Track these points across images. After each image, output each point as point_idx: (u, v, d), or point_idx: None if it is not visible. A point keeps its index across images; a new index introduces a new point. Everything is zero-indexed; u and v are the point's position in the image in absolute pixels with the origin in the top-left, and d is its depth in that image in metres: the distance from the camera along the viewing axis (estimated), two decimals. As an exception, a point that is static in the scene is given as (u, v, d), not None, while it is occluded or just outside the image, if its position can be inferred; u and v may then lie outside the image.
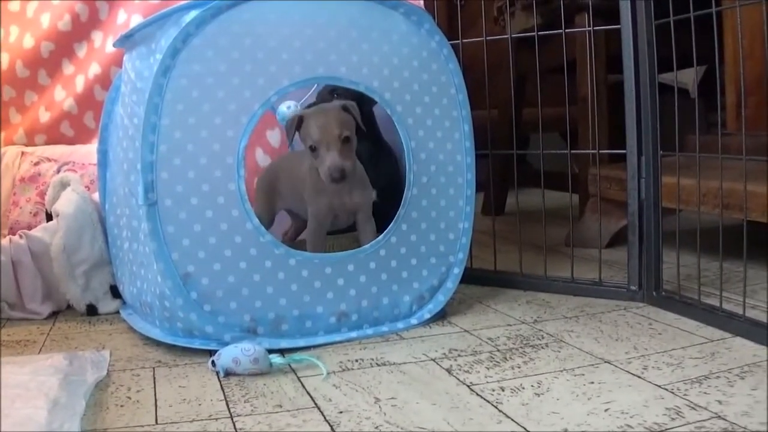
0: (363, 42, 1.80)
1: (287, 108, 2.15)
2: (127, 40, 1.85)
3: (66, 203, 2.06)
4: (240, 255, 1.64)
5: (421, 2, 2.14)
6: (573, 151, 2.18)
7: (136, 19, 2.54)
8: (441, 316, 1.90)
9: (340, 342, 1.73)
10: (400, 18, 1.86)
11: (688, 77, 3.10)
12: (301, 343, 1.69)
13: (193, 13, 1.63)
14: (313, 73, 1.74)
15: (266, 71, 1.68)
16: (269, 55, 1.69)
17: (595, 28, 2.10)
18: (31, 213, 2.54)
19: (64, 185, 2.14)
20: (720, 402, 1.28)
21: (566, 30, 2.10)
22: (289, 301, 1.69)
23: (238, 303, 1.64)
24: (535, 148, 3.81)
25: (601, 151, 2.14)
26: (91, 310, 2.04)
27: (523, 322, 1.84)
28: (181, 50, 1.62)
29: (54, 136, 2.77)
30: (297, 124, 1.84)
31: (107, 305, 2.05)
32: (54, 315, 2.04)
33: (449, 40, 1.96)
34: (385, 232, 1.81)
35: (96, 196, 2.12)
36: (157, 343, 1.73)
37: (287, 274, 1.68)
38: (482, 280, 2.21)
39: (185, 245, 1.61)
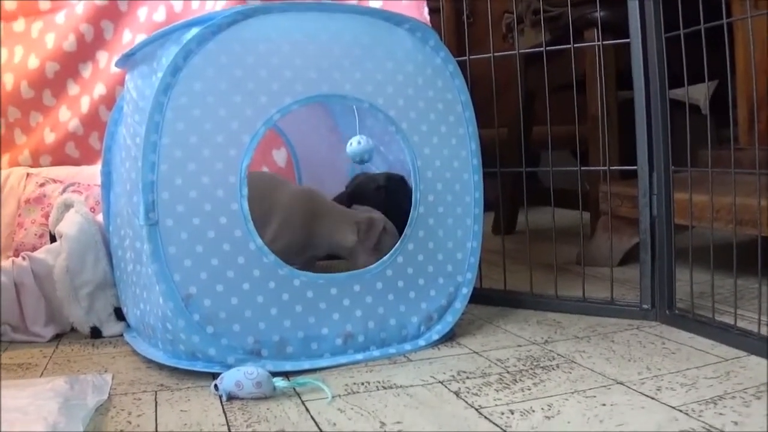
0: (367, 59, 1.77)
1: (358, 143, 2.12)
2: (129, 60, 1.83)
3: (69, 225, 2.03)
4: (243, 276, 1.61)
5: (427, 18, 2.12)
6: (583, 168, 2.15)
7: (141, 39, 2.52)
8: (449, 337, 1.87)
9: (346, 364, 1.70)
10: (405, 34, 1.84)
11: (700, 93, 3.09)
12: (306, 365, 1.66)
13: (193, 31, 1.61)
14: (317, 91, 1.71)
15: (268, 89, 1.66)
16: (271, 73, 1.67)
17: (604, 42, 2.08)
18: (36, 235, 2.52)
19: (67, 207, 2.13)
20: (736, 423, 1.25)
21: (575, 45, 2.07)
22: (293, 323, 1.66)
23: (242, 325, 1.61)
24: (545, 166, 3.80)
25: (611, 167, 2.11)
26: (95, 333, 2.01)
27: (534, 343, 1.80)
28: (182, 68, 1.60)
29: (59, 157, 2.77)
30: None
31: (111, 328, 2.03)
32: (57, 338, 2.01)
33: (457, 56, 1.93)
34: (391, 251, 1.78)
35: (100, 217, 2.10)
36: (160, 366, 1.70)
37: (292, 295, 1.65)
38: (492, 300, 2.18)
39: (187, 266, 1.58)
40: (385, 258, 1.77)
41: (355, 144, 2.00)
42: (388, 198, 2.13)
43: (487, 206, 1.98)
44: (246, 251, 1.61)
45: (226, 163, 1.61)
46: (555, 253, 2.11)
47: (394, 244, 1.82)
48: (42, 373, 1.70)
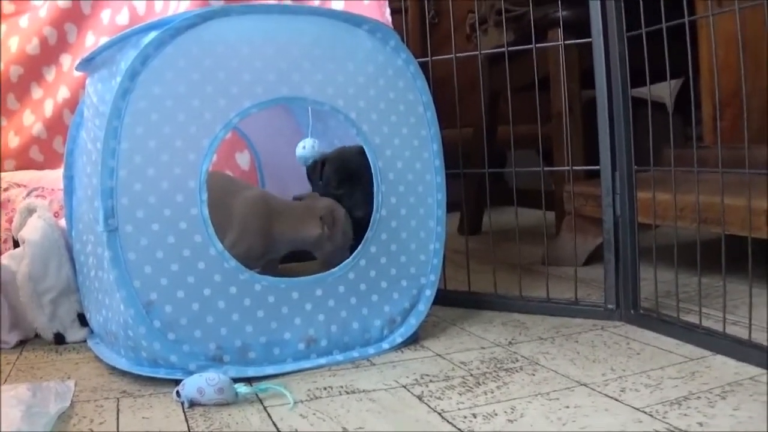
0: (327, 60, 1.76)
1: (308, 147, 2.11)
2: (89, 64, 1.82)
3: (32, 230, 2.01)
4: (204, 281, 1.60)
5: (389, 19, 2.12)
6: (546, 169, 2.15)
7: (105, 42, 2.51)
8: (413, 340, 1.86)
9: (309, 369, 1.69)
10: (365, 35, 1.83)
11: (665, 91, 3.09)
12: (269, 370, 1.65)
13: (152, 35, 1.59)
14: (276, 94, 1.70)
15: (227, 92, 1.64)
16: (230, 75, 1.65)
17: (566, 42, 2.07)
18: (1, 239, 2.48)
19: (30, 212, 2.11)
20: (701, 424, 1.25)
21: (537, 45, 2.06)
22: (255, 328, 1.64)
23: (203, 331, 1.60)
24: (511, 166, 3.80)
25: (574, 168, 2.11)
26: (59, 339, 1.99)
27: (498, 345, 1.80)
28: (140, 72, 1.58)
29: (23, 162, 2.75)
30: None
31: (75, 334, 2.01)
32: (21, 344, 1.99)
33: (421, 57, 1.93)
34: (353, 254, 1.77)
35: (63, 222, 2.08)
36: (123, 373, 1.68)
37: (253, 300, 1.64)
38: (456, 301, 2.18)
39: (147, 272, 1.57)
40: (347, 261, 1.76)
41: (308, 147, 2.00)
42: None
43: (453, 206, 1.98)
44: (206, 256, 1.60)
45: (184, 167, 1.60)
46: (519, 254, 2.11)
47: (350, 226, 1.85)
48: (5, 380, 1.68)
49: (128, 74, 1.57)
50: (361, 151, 1.85)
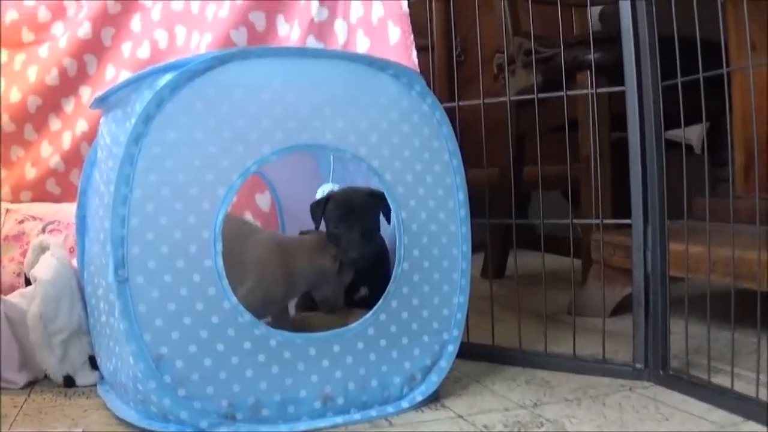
0: (349, 106, 1.71)
1: (321, 193, 2.07)
2: (104, 102, 1.77)
3: (44, 269, 1.97)
4: (217, 336, 1.55)
5: (416, 62, 2.06)
6: (576, 221, 2.10)
7: (125, 75, 2.51)
8: (434, 398, 1.80)
9: (325, 428, 1.63)
10: (389, 80, 1.77)
11: (693, 133, 3.04)
12: (283, 429, 1.60)
13: (167, 77, 1.55)
14: (296, 141, 1.65)
15: (245, 139, 1.59)
16: (248, 121, 1.60)
17: (598, 90, 2.02)
18: (14, 273, 2.45)
19: (43, 249, 2.07)
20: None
21: (568, 92, 2.01)
22: (270, 385, 1.59)
23: (215, 387, 1.55)
24: (536, 207, 3.74)
25: (605, 221, 2.05)
26: (69, 382, 1.94)
27: (522, 407, 1.73)
28: (155, 116, 1.53)
29: (40, 194, 2.72)
30: None
31: (85, 377, 1.96)
32: (30, 385, 1.95)
33: (447, 99, 1.87)
34: (374, 309, 1.71)
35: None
36: (133, 425, 1.63)
37: (268, 355, 1.59)
38: (479, 355, 2.10)
39: (158, 325, 1.52)
40: (367, 316, 1.71)
41: (324, 192, 1.96)
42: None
43: (477, 248, 1.92)
44: (220, 310, 1.55)
45: (199, 217, 1.55)
46: (545, 305, 2.05)
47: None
48: (11, 425, 1.64)
49: (142, 118, 1.53)
50: (370, 193, 1.83)
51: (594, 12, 3.79)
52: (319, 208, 1.95)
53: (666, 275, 1.86)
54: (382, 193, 1.77)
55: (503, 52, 2.65)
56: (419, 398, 1.76)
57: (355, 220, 1.91)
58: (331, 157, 2.07)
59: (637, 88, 1.86)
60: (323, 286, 1.95)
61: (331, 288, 1.92)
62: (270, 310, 1.76)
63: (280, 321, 1.81)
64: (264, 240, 1.95)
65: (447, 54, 3.40)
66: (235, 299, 1.56)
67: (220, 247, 1.55)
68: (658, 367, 1.86)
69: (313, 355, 1.63)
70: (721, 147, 1.94)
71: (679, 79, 1.75)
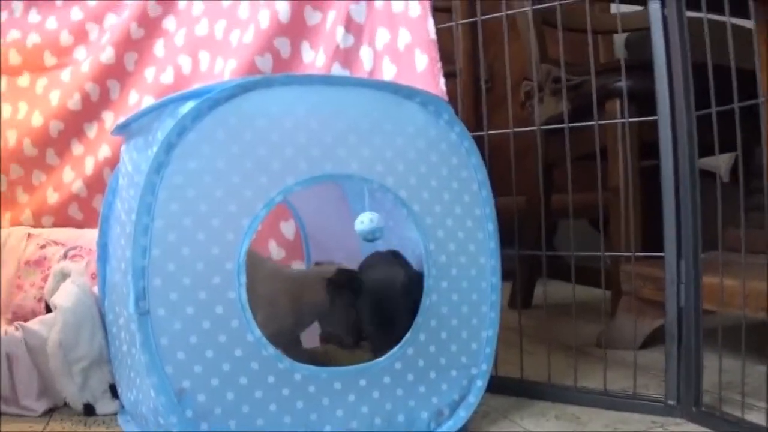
0: (375, 135, 1.68)
1: (370, 221, 2.03)
2: (125, 129, 1.76)
3: (65, 296, 1.95)
4: (240, 369, 1.51)
5: (444, 90, 2.03)
6: (607, 254, 2.06)
7: (148, 100, 2.48)
8: (462, 434, 1.76)
9: (351, 463, 1.60)
10: (416, 108, 1.75)
11: (721, 161, 3.01)
12: (307, 464, 1.56)
13: (189, 105, 1.52)
14: (321, 170, 1.62)
15: (269, 168, 1.57)
16: (272, 150, 1.58)
17: (630, 119, 1.99)
18: (35, 298, 2.44)
19: (64, 276, 2.05)
20: None
21: (600, 122, 1.98)
22: (294, 420, 1.56)
23: (238, 421, 1.51)
24: (563, 235, 3.71)
25: (637, 254, 2.02)
26: (89, 410, 1.93)
27: (552, 444, 1.70)
28: (176, 145, 1.51)
29: (62, 219, 2.69)
30: None
31: (106, 406, 1.94)
32: (49, 412, 1.94)
33: (474, 126, 1.84)
34: (401, 343, 1.68)
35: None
36: (154, 457, 1.60)
37: (292, 390, 1.55)
38: (507, 389, 2.07)
39: (180, 359, 1.49)
40: (394, 350, 1.67)
41: (366, 222, 1.92)
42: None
43: (503, 277, 1.89)
44: (244, 343, 1.52)
45: (222, 248, 1.52)
46: (575, 336, 2.01)
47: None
48: (29, 454, 1.61)
49: (163, 147, 1.51)
50: (408, 276, 1.82)
51: (619, 39, 3.77)
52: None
53: (699, 309, 1.83)
54: (420, 274, 1.74)
55: (530, 80, 2.62)
56: (447, 434, 1.72)
57: (392, 323, 1.84)
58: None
59: (671, 117, 1.83)
60: (329, 319, 1.92)
61: (340, 320, 1.89)
62: (279, 341, 1.72)
63: (292, 352, 1.77)
64: (274, 272, 1.93)
65: (473, 81, 3.38)
66: (258, 332, 1.53)
67: (244, 279, 1.53)
68: (690, 403, 1.83)
69: (339, 390, 1.60)
70: (752, 175, 1.90)
71: (714, 109, 1.72)
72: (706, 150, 1.80)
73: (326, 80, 1.72)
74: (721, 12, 1.73)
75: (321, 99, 1.65)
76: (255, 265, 1.86)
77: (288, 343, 1.90)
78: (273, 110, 1.60)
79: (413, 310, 1.72)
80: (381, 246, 2.05)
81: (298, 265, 2.36)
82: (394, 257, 1.95)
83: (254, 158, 1.56)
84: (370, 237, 1.90)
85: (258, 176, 1.56)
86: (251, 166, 1.56)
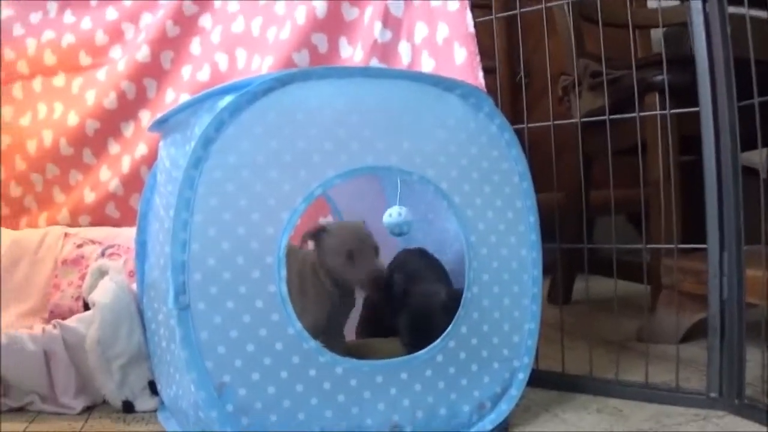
0: (415, 128, 1.67)
1: (398, 215, 2.01)
2: (163, 125, 1.77)
3: (103, 293, 1.96)
4: (281, 363, 1.51)
5: (482, 82, 2.02)
6: (648, 246, 2.05)
7: (185, 98, 2.46)
8: (504, 428, 1.75)
9: (392, 457, 1.59)
10: (457, 100, 1.74)
11: (757, 155, 2.99)
12: (349, 458, 1.55)
13: (227, 99, 1.52)
14: (361, 163, 1.62)
15: (308, 162, 1.56)
16: (311, 144, 1.57)
17: (671, 111, 1.98)
18: (72, 297, 2.47)
19: (102, 273, 2.06)
20: None
21: (641, 114, 1.97)
22: (335, 414, 1.55)
23: (279, 416, 1.51)
24: (600, 232, 3.69)
25: (680, 246, 2.00)
26: (128, 407, 1.93)
27: (594, 437, 1.68)
28: (215, 140, 1.51)
29: (99, 218, 2.72)
30: None
31: (145, 403, 1.94)
32: (88, 410, 1.94)
33: (513, 122, 1.83)
34: (442, 336, 1.66)
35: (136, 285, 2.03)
36: (194, 453, 1.60)
37: (333, 383, 1.55)
38: (549, 383, 2.05)
39: (220, 353, 1.48)
40: (435, 342, 1.66)
41: (394, 215, 1.91)
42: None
43: (544, 271, 1.87)
44: (284, 337, 1.51)
45: (262, 242, 1.52)
46: (617, 330, 2.00)
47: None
48: (67, 452, 1.60)
49: (202, 142, 1.50)
50: (449, 293, 1.78)
51: (656, 33, 3.74)
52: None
53: (742, 302, 1.81)
54: (460, 292, 1.72)
55: (568, 74, 2.60)
56: (489, 427, 1.71)
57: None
58: (398, 179, 2.02)
59: (713, 109, 1.81)
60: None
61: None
62: (318, 334, 1.69)
63: (333, 345, 1.75)
64: (307, 257, 1.90)
65: (510, 76, 3.37)
66: (299, 325, 1.53)
67: (284, 272, 1.52)
68: (733, 395, 1.81)
69: (380, 383, 1.59)
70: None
71: (756, 99, 1.71)
72: (745, 145, 1.78)
73: (365, 72, 1.70)
74: (760, 7, 1.72)
75: (360, 91, 1.64)
76: (295, 258, 1.85)
77: (330, 336, 1.89)
78: (312, 103, 1.59)
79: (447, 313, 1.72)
80: (418, 241, 2.05)
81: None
82: (421, 256, 1.96)
83: (293, 152, 1.56)
84: (397, 230, 1.89)
85: (297, 170, 1.56)
86: (290, 159, 1.55)
